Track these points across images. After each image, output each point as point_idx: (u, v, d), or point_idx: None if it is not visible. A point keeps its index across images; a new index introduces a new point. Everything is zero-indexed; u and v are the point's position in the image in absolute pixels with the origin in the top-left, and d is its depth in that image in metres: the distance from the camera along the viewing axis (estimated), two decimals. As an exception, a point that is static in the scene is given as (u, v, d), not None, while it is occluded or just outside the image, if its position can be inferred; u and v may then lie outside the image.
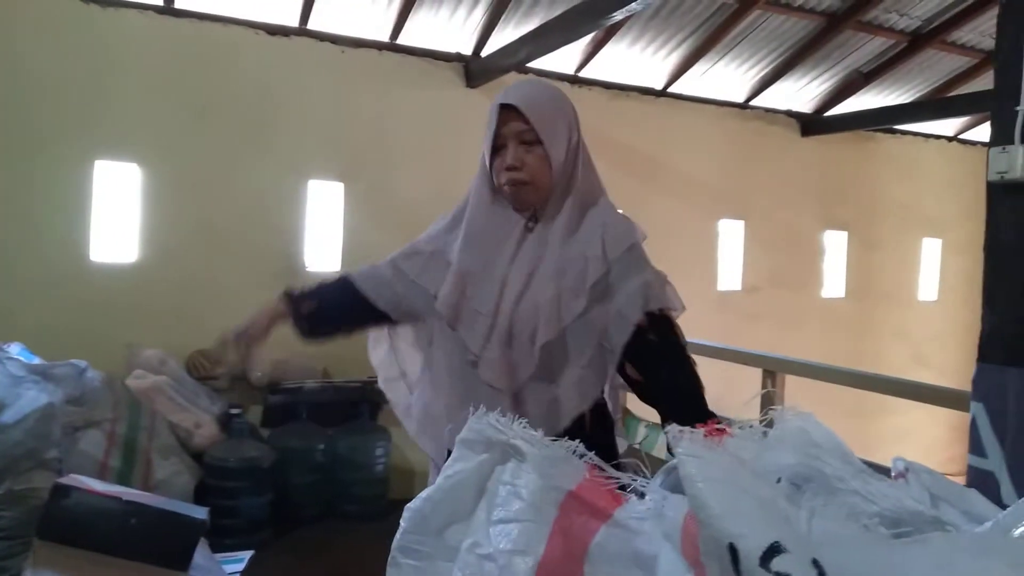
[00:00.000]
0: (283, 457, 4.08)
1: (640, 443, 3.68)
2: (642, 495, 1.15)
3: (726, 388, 5.04)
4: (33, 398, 2.87)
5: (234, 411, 4.15)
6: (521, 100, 1.59)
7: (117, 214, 4.18)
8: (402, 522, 1.34)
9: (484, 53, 4.91)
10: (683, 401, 1.51)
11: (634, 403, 4.05)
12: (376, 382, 1.91)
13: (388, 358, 1.89)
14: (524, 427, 1.28)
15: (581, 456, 1.21)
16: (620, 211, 1.68)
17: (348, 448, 4.35)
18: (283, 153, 4.48)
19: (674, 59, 5.40)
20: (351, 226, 4.64)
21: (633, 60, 5.32)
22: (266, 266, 4.45)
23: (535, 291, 1.56)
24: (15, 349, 3.13)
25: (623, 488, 1.17)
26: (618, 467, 1.15)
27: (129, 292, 4.16)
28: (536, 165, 1.58)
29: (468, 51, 4.92)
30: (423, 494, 1.34)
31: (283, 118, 4.48)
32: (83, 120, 4.04)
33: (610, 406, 1.74)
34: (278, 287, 4.44)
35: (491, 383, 1.55)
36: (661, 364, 1.54)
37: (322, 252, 4.63)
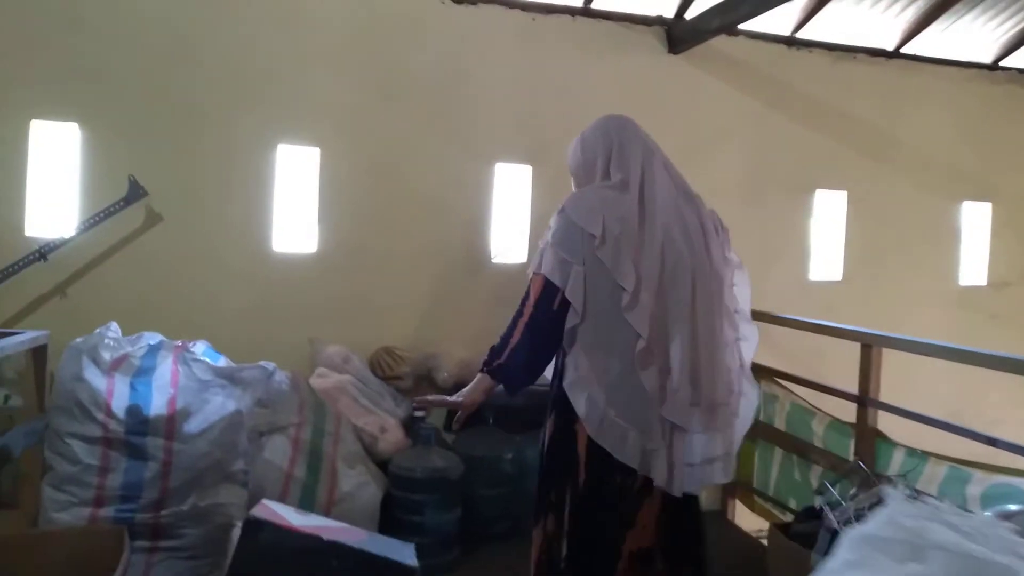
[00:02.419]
0: (468, 466, 3.69)
1: (905, 475, 3.00)
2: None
3: (963, 399, 4.22)
4: (220, 405, 2.60)
5: (418, 413, 3.81)
6: None
7: (298, 201, 3.93)
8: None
9: (688, 15, 4.32)
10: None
11: (888, 423, 3.38)
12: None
13: None
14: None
15: None
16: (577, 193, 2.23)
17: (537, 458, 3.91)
18: (469, 133, 4.09)
19: (910, 14, 4.59)
20: (540, 214, 4.18)
21: (861, 17, 4.56)
22: (451, 257, 4.09)
23: None
24: (200, 348, 2.88)
25: None
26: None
27: (311, 284, 3.90)
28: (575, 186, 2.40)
29: (671, 13, 4.34)
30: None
31: (468, 95, 4.09)
32: (264, 101, 3.80)
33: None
34: (464, 280, 4.07)
35: None
36: None
37: (509, 242, 4.21)
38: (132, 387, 2.51)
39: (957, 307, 4.94)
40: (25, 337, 2.65)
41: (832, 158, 4.68)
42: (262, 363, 2.88)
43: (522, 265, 4.18)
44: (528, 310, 2.11)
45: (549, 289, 2.09)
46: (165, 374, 2.56)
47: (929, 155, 4.91)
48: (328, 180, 3.92)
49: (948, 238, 5.02)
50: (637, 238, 2.12)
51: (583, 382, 2.11)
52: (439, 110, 4.04)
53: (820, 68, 4.62)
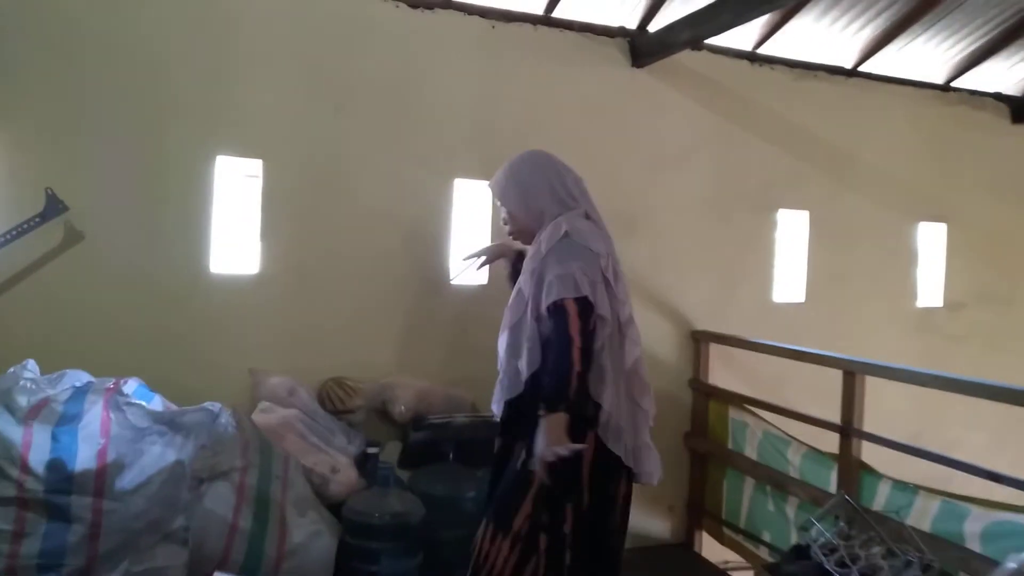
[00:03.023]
0: (428, 507, 3.40)
1: (897, 512, 2.86)
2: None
3: (922, 421, 4.16)
4: (158, 456, 2.26)
5: (372, 450, 3.51)
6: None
7: (238, 218, 3.58)
8: None
9: (652, 27, 4.16)
10: (545, 379, 2.18)
11: (872, 455, 3.25)
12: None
13: None
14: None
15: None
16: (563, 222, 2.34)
17: (501, 495, 3.64)
18: (424, 146, 3.83)
19: (867, 33, 4.55)
20: (502, 232, 3.92)
21: (821, 34, 4.49)
22: (406, 279, 3.80)
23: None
24: (131, 386, 2.52)
25: None
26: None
27: (252, 309, 3.56)
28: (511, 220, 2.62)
29: (633, 25, 4.18)
30: None
31: (424, 105, 3.82)
32: (200, 108, 3.45)
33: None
34: (421, 304, 3.78)
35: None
36: (547, 347, 2.21)
37: (468, 263, 3.93)
38: (54, 438, 2.14)
39: (916, 329, 4.91)
40: (-80, 378, 2.25)
41: (794, 177, 4.59)
42: (206, 404, 2.54)
43: (482, 287, 3.92)
44: (576, 335, 2.14)
45: (586, 310, 2.18)
46: (93, 422, 2.20)
47: (887, 174, 4.87)
48: (272, 195, 3.59)
49: (906, 259, 4.99)
50: (614, 258, 2.42)
51: (601, 394, 2.24)
52: (393, 121, 3.77)
53: (782, 85, 4.53)
